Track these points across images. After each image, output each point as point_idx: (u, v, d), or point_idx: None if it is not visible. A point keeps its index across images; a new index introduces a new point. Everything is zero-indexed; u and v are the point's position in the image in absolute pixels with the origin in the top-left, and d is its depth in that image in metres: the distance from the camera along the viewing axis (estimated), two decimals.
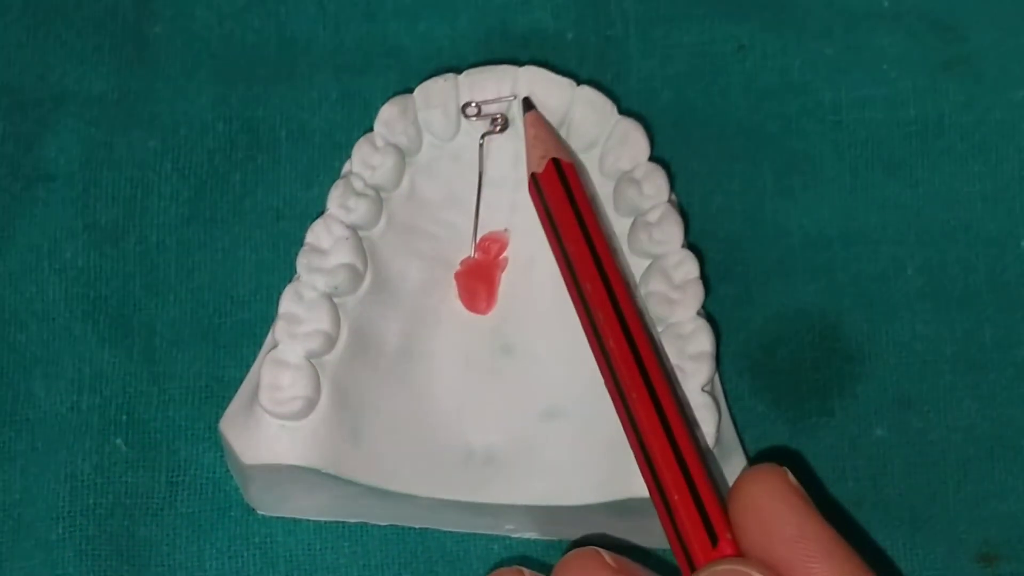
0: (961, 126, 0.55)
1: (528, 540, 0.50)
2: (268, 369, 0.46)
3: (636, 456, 0.42)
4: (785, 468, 0.38)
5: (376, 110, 0.49)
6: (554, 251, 0.47)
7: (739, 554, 0.38)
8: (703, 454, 0.41)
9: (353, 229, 0.48)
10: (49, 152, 0.54)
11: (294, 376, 0.46)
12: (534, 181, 0.47)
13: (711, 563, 0.37)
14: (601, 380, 0.47)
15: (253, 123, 0.55)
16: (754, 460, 0.50)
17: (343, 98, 0.55)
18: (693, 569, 0.39)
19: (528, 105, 0.49)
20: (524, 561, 0.50)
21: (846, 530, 0.50)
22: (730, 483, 0.47)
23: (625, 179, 0.49)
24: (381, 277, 0.49)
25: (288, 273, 0.48)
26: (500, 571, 0.40)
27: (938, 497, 0.51)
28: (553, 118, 0.49)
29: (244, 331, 0.52)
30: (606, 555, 0.38)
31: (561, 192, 0.46)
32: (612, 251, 0.45)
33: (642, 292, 0.48)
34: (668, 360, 0.46)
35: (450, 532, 0.50)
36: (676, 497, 0.40)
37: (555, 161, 0.47)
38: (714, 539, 0.39)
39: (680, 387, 0.46)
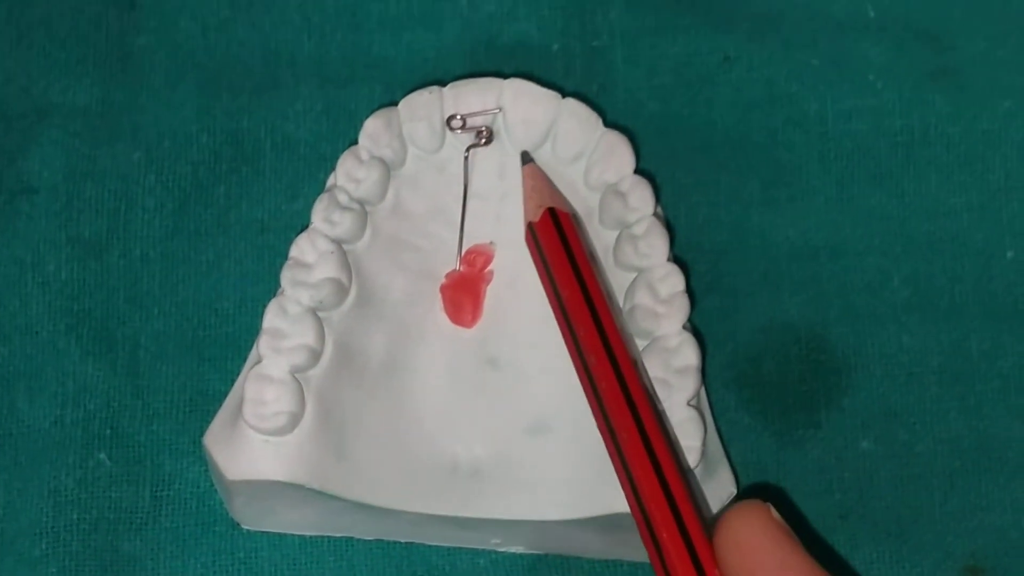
0: (947, 137, 0.55)
1: (514, 554, 0.50)
2: (252, 384, 0.46)
3: (626, 493, 0.43)
4: (768, 504, 0.39)
5: (361, 122, 0.49)
6: (549, 298, 0.47)
7: None
8: (692, 494, 0.42)
9: (338, 243, 0.48)
10: (32, 165, 0.54)
11: (278, 391, 0.46)
12: (531, 230, 0.47)
13: None
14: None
15: (237, 135, 0.54)
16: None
17: (328, 110, 0.55)
18: None
19: (526, 159, 0.49)
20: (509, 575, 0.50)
21: (831, 542, 0.50)
22: (714, 497, 0.47)
23: (611, 192, 0.49)
24: (366, 291, 0.49)
25: (273, 285, 0.48)
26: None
27: (925, 509, 0.51)
28: (538, 130, 0.49)
29: (228, 344, 0.52)
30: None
31: (557, 241, 0.47)
32: (609, 302, 0.46)
33: (627, 306, 0.48)
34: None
35: (436, 546, 0.50)
36: (664, 535, 0.41)
37: (551, 211, 0.47)
38: (702, 575, 0.40)
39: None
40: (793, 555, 0.38)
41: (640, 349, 0.47)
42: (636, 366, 0.45)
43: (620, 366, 0.44)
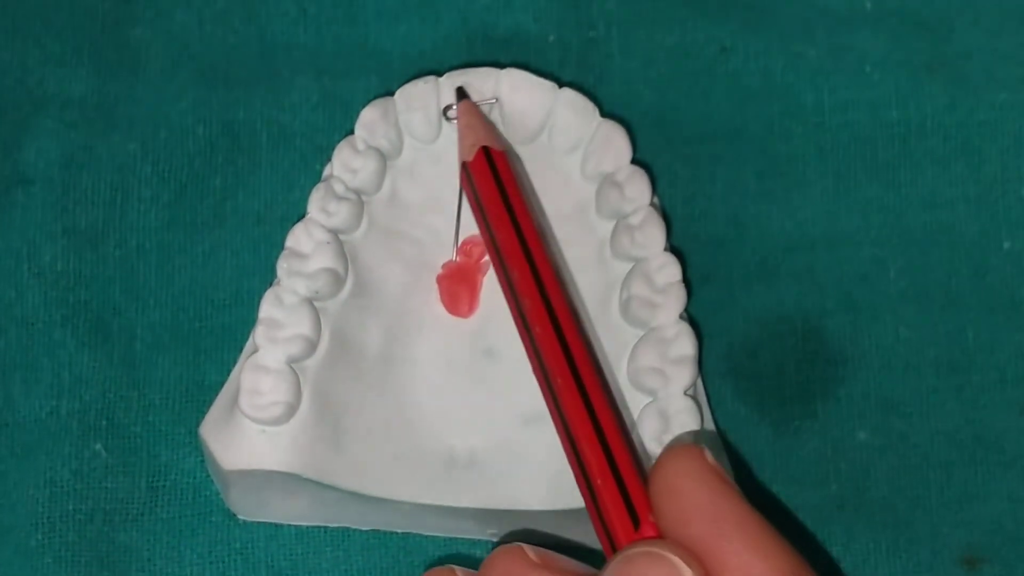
0: (944, 128, 0.55)
1: (509, 533, 0.50)
2: (248, 374, 0.46)
3: (561, 440, 0.42)
4: (702, 447, 0.38)
5: (357, 113, 0.49)
6: (484, 239, 0.46)
7: (660, 535, 0.38)
8: (629, 440, 0.41)
9: (334, 233, 0.48)
10: (28, 156, 0.54)
11: (274, 381, 0.46)
12: (464, 169, 0.47)
13: (627, 547, 0.37)
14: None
15: (233, 126, 0.54)
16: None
17: (324, 101, 0.55)
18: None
19: (461, 94, 0.49)
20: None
21: (827, 533, 0.50)
22: None
23: (607, 182, 0.49)
24: (362, 281, 0.49)
25: (269, 276, 0.48)
26: (433, 571, 0.40)
27: (921, 500, 0.51)
28: (535, 121, 0.49)
29: (225, 335, 0.52)
30: (529, 550, 0.38)
31: (491, 180, 0.46)
32: (543, 240, 0.45)
33: (624, 296, 0.48)
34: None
35: (432, 537, 0.50)
36: (599, 480, 0.40)
37: (485, 150, 0.47)
38: (636, 521, 0.38)
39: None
40: (727, 500, 0.37)
41: (636, 339, 0.47)
42: (571, 305, 0.44)
43: (555, 309, 0.43)
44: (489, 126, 0.48)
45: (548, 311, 0.43)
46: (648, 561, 0.36)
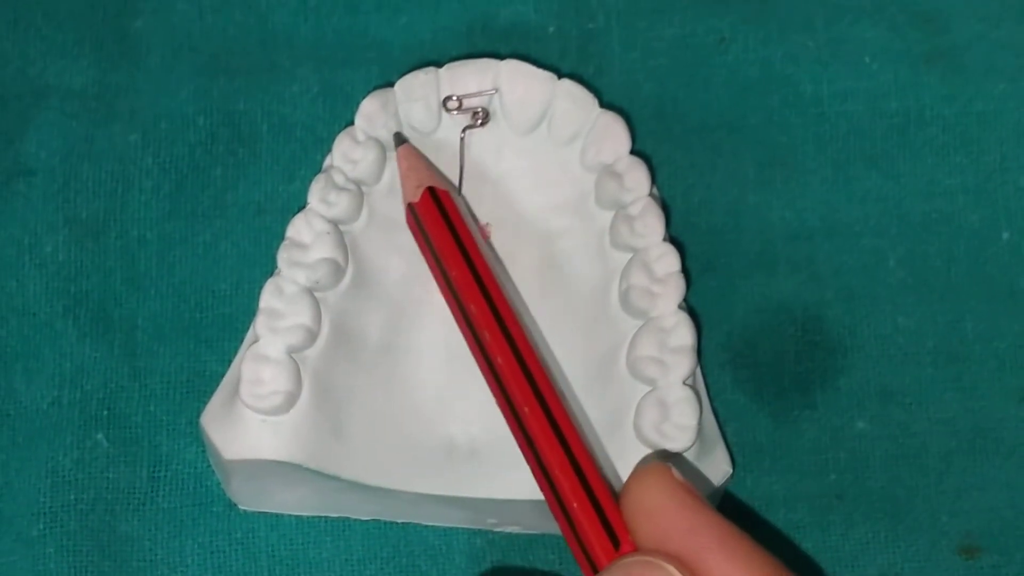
0: (943, 118, 0.55)
1: (510, 534, 0.50)
2: (249, 364, 0.46)
3: (532, 468, 0.43)
4: (669, 464, 0.39)
5: (358, 103, 0.49)
6: (436, 277, 0.47)
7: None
8: (598, 463, 0.42)
9: (334, 223, 0.48)
10: (29, 146, 0.54)
11: (275, 371, 0.46)
12: (411, 211, 0.47)
13: (619, 558, 0.38)
14: (584, 370, 0.47)
15: (234, 117, 0.54)
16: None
17: (324, 92, 0.55)
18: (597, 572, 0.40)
19: (400, 140, 0.49)
20: (505, 555, 0.50)
21: (827, 522, 0.51)
22: (710, 477, 0.47)
23: (607, 172, 0.49)
24: (362, 271, 0.49)
25: (269, 267, 0.48)
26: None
27: (920, 489, 0.51)
28: (534, 111, 0.49)
29: (225, 325, 0.52)
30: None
31: (439, 219, 0.47)
32: (493, 272, 0.46)
33: (623, 286, 0.48)
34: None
35: (432, 526, 0.50)
36: (575, 505, 0.41)
37: (431, 190, 0.47)
38: (616, 542, 0.40)
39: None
40: (700, 515, 0.38)
41: (636, 329, 0.47)
42: (528, 335, 0.45)
43: (515, 340, 0.44)
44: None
45: (509, 342, 0.44)
46: (645, 570, 0.37)
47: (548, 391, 0.43)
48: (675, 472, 0.39)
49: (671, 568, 0.37)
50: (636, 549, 0.39)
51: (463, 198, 0.49)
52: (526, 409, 0.43)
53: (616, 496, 0.41)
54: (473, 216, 0.49)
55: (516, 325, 0.44)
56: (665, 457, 0.45)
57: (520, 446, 0.43)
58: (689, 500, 0.38)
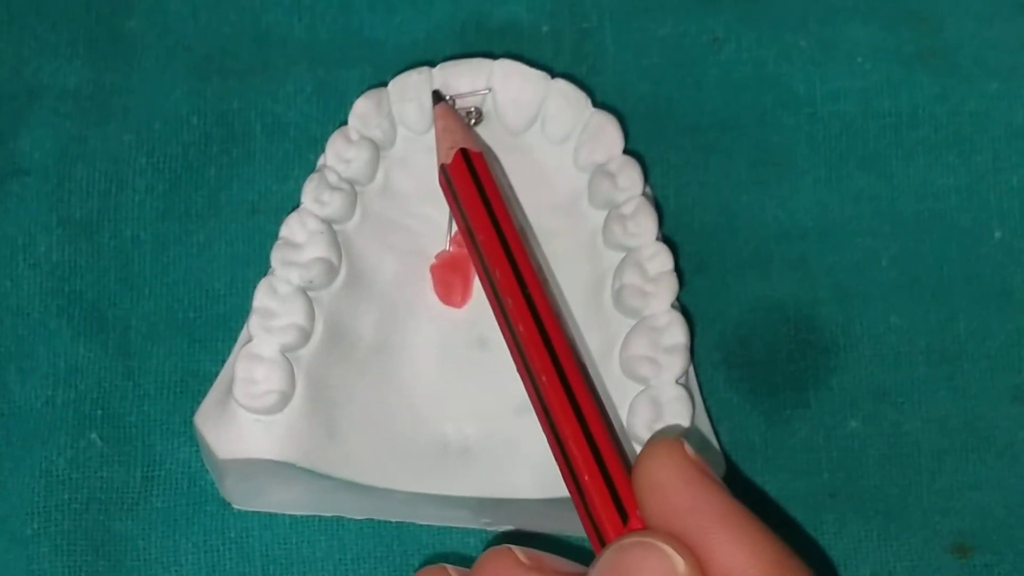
0: (935, 118, 0.55)
1: (504, 533, 0.51)
2: (243, 363, 0.46)
3: (548, 438, 0.42)
4: (681, 440, 0.38)
5: (351, 103, 0.49)
6: (464, 241, 0.47)
7: (647, 529, 0.38)
8: (615, 436, 0.41)
9: (328, 223, 0.48)
10: (23, 146, 0.54)
11: (269, 370, 0.46)
12: (443, 172, 0.47)
13: (619, 538, 0.38)
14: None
15: (228, 117, 0.55)
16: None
17: (318, 91, 0.55)
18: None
19: (438, 97, 0.49)
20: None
21: (819, 521, 0.51)
22: None
23: (600, 172, 0.49)
24: (356, 271, 0.49)
25: (263, 267, 0.48)
26: (425, 569, 0.40)
27: (912, 488, 0.51)
28: (528, 111, 0.50)
29: (219, 325, 0.52)
30: (519, 552, 0.39)
31: (470, 182, 0.46)
32: (522, 239, 0.45)
33: (616, 285, 0.48)
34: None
35: (426, 526, 0.51)
36: (586, 477, 0.40)
37: (464, 151, 0.47)
38: (624, 517, 0.39)
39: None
40: (708, 492, 0.37)
41: (629, 328, 0.47)
42: (553, 304, 0.44)
43: (537, 307, 0.43)
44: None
45: (531, 309, 0.43)
46: (641, 551, 0.37)
47: (568, 362, 0.42)
48: (687, 448, 0.38)
49: (668, 549, 0.36)
50: (644, 524, 0.38)
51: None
52: (543, 378, 0.42)
53: (629, 470, 0.40)
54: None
55: (540, 293, 0.44)
56: (682, 433, 0.45)
57: (537, 415, 0.43)
58: (697, 477, 0.37)
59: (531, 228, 0.49)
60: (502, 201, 0.46)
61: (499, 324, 0.45)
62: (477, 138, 0.49)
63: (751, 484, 0.51)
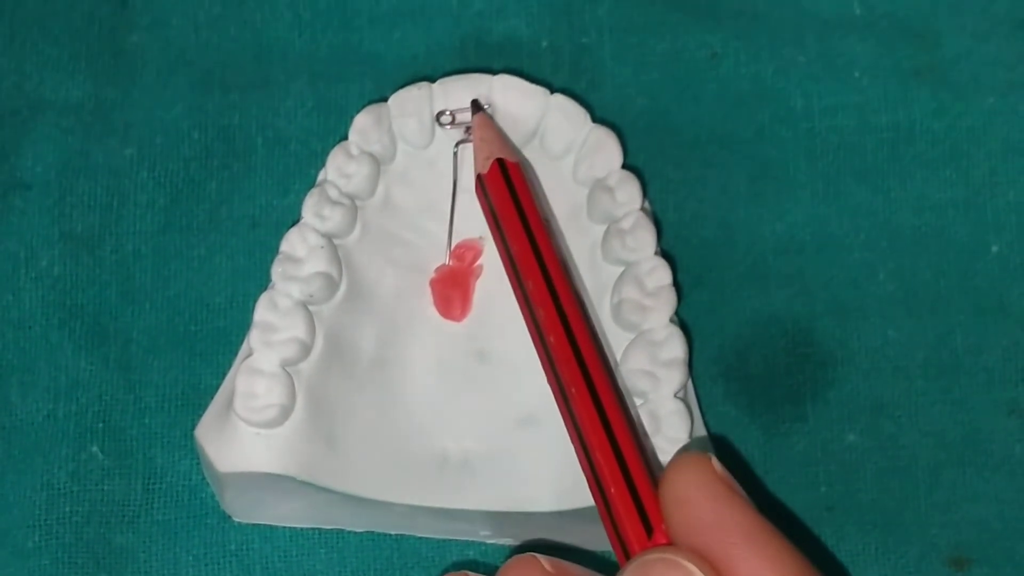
0: (932, 133, 0.55)
1: (504, 546, 0.51)
2: (243, 377, 0.46)
3: (576, 450, 0.42)
4: (709, 455, 0.38)
5: (351, 118, 0.50)
6: (499, 251, 0.47)
7: (672, 543, 0.38)
8: (642, 448, 0.42)
9: (328, 237, 0.48)
10: (25, 160, 0.54)
11: (269, 384, 0.46)
12: (480, 181, 0.48)
13: (642, 553, 0.38)
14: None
15: (229, 131, 0.55)
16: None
17: (319, 106, 0.55)
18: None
19: (477, 107, 0.49)
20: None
21: (817, 534, 0.51)
22: None
23: (599, 186, 0.49)
24: (356, 285, 0.49)
25: (264, 281, 0.48)
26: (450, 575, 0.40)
27: (910, 502, 0.51)
28: (527, 126, 0.50)
29: (220, 339, 0.52)
30: (543, 560, 0.39)
31: (506, 192, 0.47)
32: (557, 251, 0.46)
33: (615, 299, 0.48)
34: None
35: (426, 538, 0.51)
36: (613, 490, 0.40)
37: (500, 162, 0.47)
38: (649, 530, 0.39)
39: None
40: (734, 509, 0.37)
41: (627, 342, 0.47)
42: (585, 317, 0.44)
43: (569, 320, 0.44)
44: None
45: (562, 321, 0.44)
46: (664, 567, 0.37)
47: (598, 374, 0.42)
48: (715, 463, 0.38)
49: (691, 567, 0.36)
50: (669, 539, 0.38)
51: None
52: (573, 390, 0.42)
53: (656, 485, 0.40)
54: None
55: (572, 305, 0.44)
56: (697, 447, 0.45)
57: (565, 425, 0.43)
58: (724, 493, 0.37)
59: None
60: (537, 212, 0.46)
61: (531, 335, 0.45)
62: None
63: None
